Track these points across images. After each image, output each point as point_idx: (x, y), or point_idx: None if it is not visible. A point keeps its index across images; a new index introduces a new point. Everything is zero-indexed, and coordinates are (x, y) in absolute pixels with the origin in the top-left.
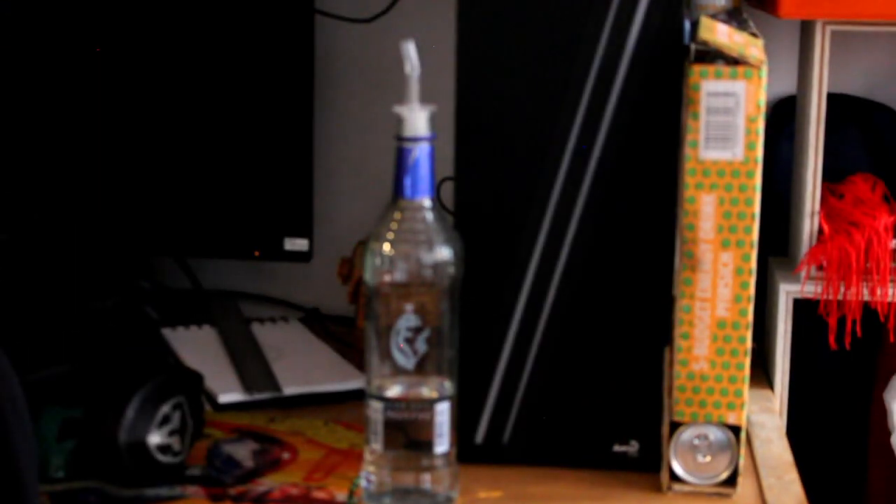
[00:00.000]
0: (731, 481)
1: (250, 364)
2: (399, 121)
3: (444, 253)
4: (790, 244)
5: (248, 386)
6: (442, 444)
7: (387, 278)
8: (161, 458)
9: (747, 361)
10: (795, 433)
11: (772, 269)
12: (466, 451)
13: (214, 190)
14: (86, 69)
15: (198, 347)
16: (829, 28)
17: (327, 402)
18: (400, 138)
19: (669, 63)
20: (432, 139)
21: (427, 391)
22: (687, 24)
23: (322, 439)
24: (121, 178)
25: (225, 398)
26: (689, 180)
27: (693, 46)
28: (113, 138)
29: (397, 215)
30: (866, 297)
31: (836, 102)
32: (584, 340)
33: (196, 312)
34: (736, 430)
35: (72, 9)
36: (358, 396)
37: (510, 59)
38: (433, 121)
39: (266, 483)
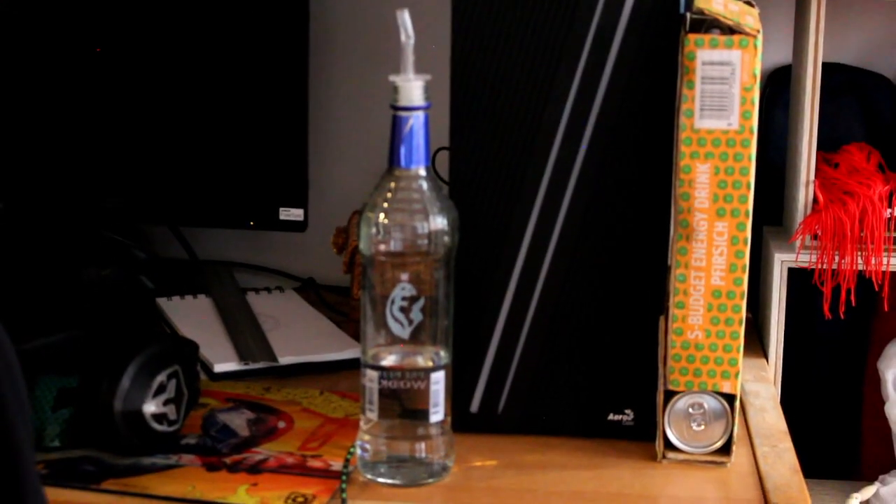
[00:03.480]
0: (726, 450)
1: (246, 334)
2: (394, 90)
3: (439, 222)
4: (785, 213)
5: (243, 355)
6: (437, 413)
7: (382, 248)
8: (157, 426)
9: (742, 330)
10: (790, 402)
11: (766, 239)
12: (461, 420)
13: (209, 160)
14: (82, 40)
15: (193, 317)
16: None
17: (323, 372)
18: (395, 108)
19: (665, 32)
20: (427, 108)
21: (422, 360)
22: None
23: (317, 408)
24: (116, 147)
25: (220, 367)
26: (684, 149)
27: (689, 15)
28: (108, 108)
29: (392, 185)
30: (861, 266)
31: (832, 71)
32: (579, 309)
33: (191, 282)
34: (730, 398)
35: None
36: (353, 366)
37: (505, 28)
38: (428, 90)
39: (262, 452)
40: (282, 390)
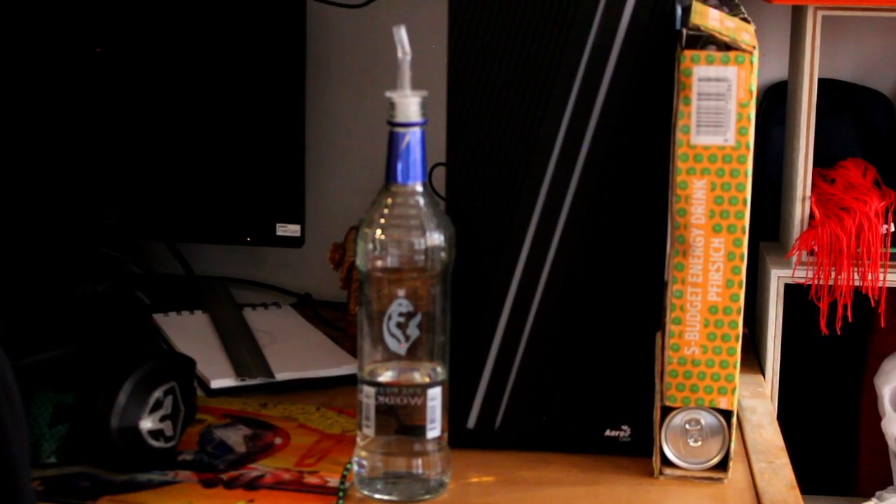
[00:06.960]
0: (723, 466)
1: (242, 349)
2: (391, 106)
3: (435, 238)
4: (781, 229)
5: (240, 371)
6: (434, 429)
7: (379, 263)
8: (153, 443)
9: (738, 346)
10: (787, 418)
11: (763, 254)
12: (458, 436)
13: (206, 176)
14: (80, 54)
15: (190, 333)
16: (820, 13)
17: (319, 388)
18: (392, 123)
19: (661, 48)
20: (424, 124)
21: (419, 376)
22: (678, 9)
23: (314, 424)
24: (113, 163)
25: (217, 383)
26: (680, 165)
27: (685, 31)
28: (105, 124)
29: (389, 200)
30: (857, 282)
31: (828, 87)
32: (576, 325)
33: (188, 298)
34: (727, 414)
35: None
36: (350, 382)
37: (502, 45)
38: (425, 106)
39: (258, 468)
40: (278, 406)
